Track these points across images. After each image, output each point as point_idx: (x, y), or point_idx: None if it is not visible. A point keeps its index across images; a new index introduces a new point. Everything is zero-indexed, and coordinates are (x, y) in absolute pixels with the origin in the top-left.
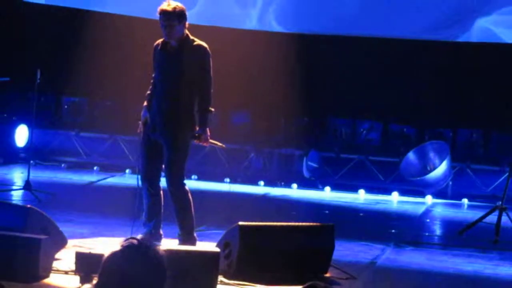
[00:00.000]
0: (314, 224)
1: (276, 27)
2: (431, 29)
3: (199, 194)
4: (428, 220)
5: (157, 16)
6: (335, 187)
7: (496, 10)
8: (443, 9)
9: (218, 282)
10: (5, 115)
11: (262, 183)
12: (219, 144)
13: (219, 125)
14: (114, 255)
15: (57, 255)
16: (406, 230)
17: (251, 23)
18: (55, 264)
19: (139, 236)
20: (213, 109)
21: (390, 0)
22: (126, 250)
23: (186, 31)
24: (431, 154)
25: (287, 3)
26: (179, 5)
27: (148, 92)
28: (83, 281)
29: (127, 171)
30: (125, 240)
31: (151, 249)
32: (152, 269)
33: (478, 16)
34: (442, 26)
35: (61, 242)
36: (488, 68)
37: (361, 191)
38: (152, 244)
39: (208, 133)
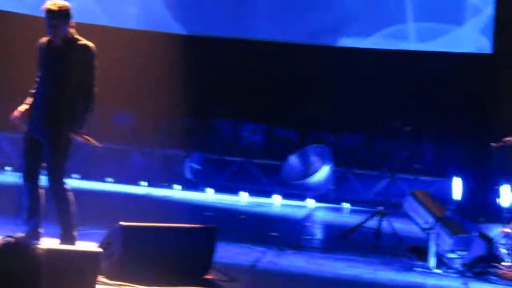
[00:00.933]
0: (196, 225)
1: (162, 27)
2: (313, 34)
3: (81, 193)
4: (309, 224)
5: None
6: (218, 189)
7: (372, 17)
8: (324, 15)
9: (99, 282)
10: None
11: (144, 183)
12: (93, 141)
13: (102, 124)
14: None
15: None
16: (287, 233)
17: (135, 22)
18: None
19: (18, 235)
20: (94, 109)
21: (272, 4)
22: (3, 248)
23: (72, 30)
24: (313, 158)
25: (171, 4)
26: (65, 4)
27: (32, 90)
28: None
29: (8, 168)
30: (2, 239)
31: (29, 248)
32: (29, 268)
33: (357, 22)
34: (323, 31)
35: None
36: (368, 73)
37: (244, 194)
38: (30, 243)
39: (85, 130)
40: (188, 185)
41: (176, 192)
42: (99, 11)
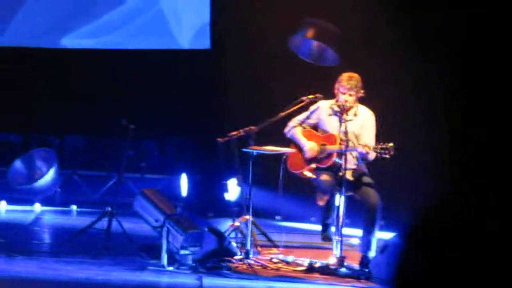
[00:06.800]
0: None
1: None
2: (34, 36)
3: None
4: (38, 228)
5: None
6: None
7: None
8: (46, 16)
9: None
10: None
11: None
12: None
13: None
14: None
15: None
16: (16, 239)
17: None
18: None
19: None
20: None
21: None
22: None
23: None
24: (39, 162)
25: None
26: None
27: None
28: None
29: None
30: None
31: None
32: None
33: (84, 22)
34: (46, 33)
35: None
36: (89, 73)
37: None
38: None
39: None
40: None
41: None
42: None
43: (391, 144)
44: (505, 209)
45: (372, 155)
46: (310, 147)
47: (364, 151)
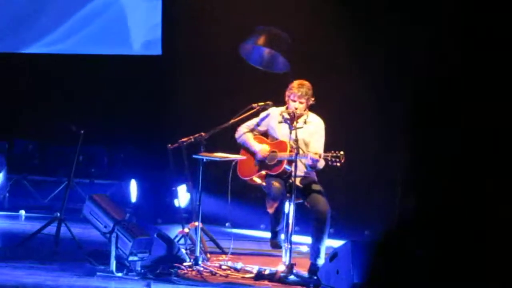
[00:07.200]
0: None
1: None
2: None
3: None
4: None
5: None
6: None
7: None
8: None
9: None
10: None
11: None
12: None
13: None
14: None
15: None
16: None
17: None
18: None
19: None
20: None
21: None
22: None
23: None
24: None
25: None
26: None
27: None
28: None
29: None
30: None
31: None
32: None
33: (35, 28)
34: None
35: None
36: (39, 78)
37: None
38: None
39: None
40: None
41: None
42: None
43: (342, 153)
44: (461, 209)
45: (321, 163)
46: (262, 148)
47: (315, 158)
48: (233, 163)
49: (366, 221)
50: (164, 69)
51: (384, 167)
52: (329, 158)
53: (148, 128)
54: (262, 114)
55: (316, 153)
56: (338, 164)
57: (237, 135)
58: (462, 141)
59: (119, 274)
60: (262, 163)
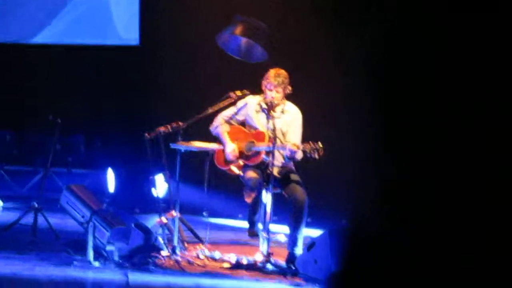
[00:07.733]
0: None
1: None
2: None
3: None
4: None
5: None
6: None
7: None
8: None
9: None
10: None
11: None
12: None
13: None
14: None
15: None
16: None
17: None
18: None
19: None
20: None
21: None
22: None
23: None
24: None
25: None
26: None
27: None
28: None
29: None
30: None
31: None
32: None
33: (12, 17)
34: None
35: None
36: (14, 68)
37: None
38: None
39: None
40: None
41: None
42: None
43: (321, 145)
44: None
45: (299, 155)
46: (230, 150)
47: (293, 150)
48: (211, 152)
49: (343, 211)
50: (142, 59)
51: (362, 157)
52: (307, 150)
53: (125, 118)
54: (240, 104)
55: (294, 145)
56: (317, 156)
57: (212, 126)
58: (436, 132)
59: (96, 264)
60: (240, 153)
